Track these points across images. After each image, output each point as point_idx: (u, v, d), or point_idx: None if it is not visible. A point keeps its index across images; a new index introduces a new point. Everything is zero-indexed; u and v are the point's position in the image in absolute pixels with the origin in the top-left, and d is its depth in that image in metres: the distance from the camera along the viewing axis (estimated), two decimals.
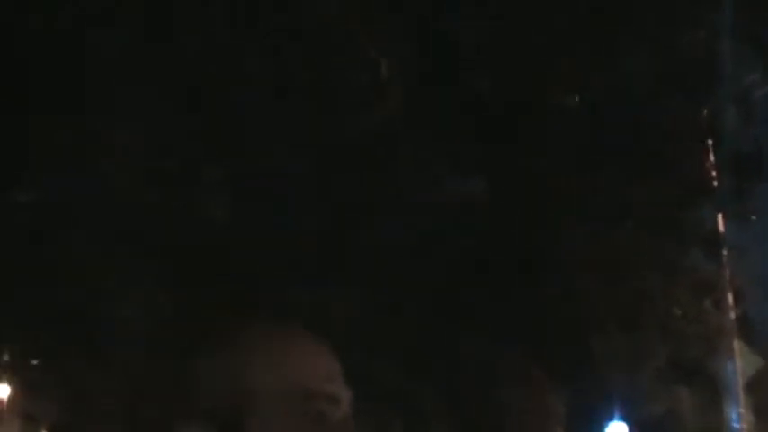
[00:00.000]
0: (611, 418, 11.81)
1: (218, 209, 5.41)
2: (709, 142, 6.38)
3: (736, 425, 13.94)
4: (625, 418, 11.76)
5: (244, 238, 5.42)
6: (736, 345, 13.30)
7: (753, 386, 14.46)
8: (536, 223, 6.29)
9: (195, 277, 5.23)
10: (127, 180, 5.05)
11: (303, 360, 1.12)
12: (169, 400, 1.10)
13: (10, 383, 10.02)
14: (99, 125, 5.04)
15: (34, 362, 7.15)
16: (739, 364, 13.47)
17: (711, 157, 6.49)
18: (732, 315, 11.87)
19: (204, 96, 5.26)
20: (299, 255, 5.62)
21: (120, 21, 5.05)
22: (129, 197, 5.04)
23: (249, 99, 5.34)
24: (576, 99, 6.13)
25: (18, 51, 4.88)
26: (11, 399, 10.26)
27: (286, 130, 5.44)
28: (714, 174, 6.54)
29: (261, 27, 5.35)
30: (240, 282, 5.29)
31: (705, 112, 6.44)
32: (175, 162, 5.26)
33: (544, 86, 6.03)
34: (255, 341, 1.13)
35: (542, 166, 6.12)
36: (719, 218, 8.59)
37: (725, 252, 10.04)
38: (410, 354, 6.31)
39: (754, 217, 7.04)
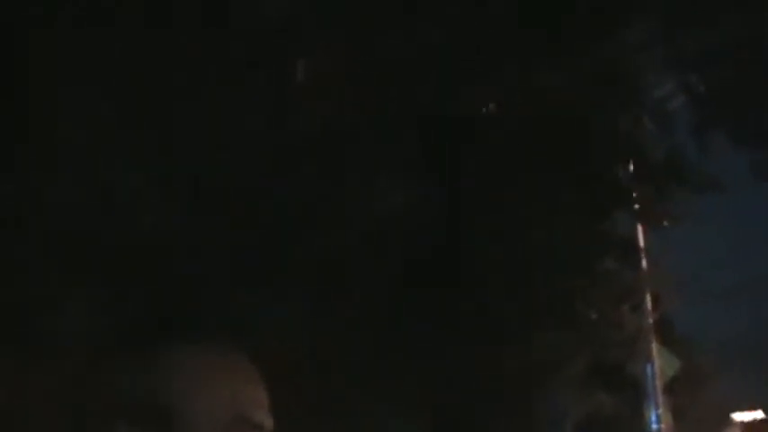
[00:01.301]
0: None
1: (157, 217, 5.30)
2: (626, 152, 6.53)
3: (655, 426, 14.29)
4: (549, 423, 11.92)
5: (182, 247, 5.33)
6: (655, 348, 13.66)
7: (672, 388, 14.86)
8: (460, 234, 6.34)
9: (130, 286, 5.12)
10: (58, 185, 4.91)
11: (233, 385, 1.08)
12: (90, 411, 1.06)
13: None
14: (29, 131, 4.88)
15: None
16: (658, 366, 13.82)
17: (628, 167, 6.65)
18: (650, 319, 12.21)
19: (136, 101, 5.15)
20: (240, 264, 5.55)
21: (47, 21, 4.90)
22: (60, 202, 4.89)
23: (183, 101, 5.25)
24: (498, 111, 6.20)
25: None
26: None
27: (224, 135, 5.37)
28: (630, 182, 6.70)
29: (192, 26, 5.25)
30: (178, 292, 5.20)
31: (621, 122, 6.58)
32: (109, 168, 5.13)
33: (469, 99, 6.09)
34: (185, 360, 1.09)
35: (469, 176, 6.18)
36: (636, 225, 8.84)
37: (642, 258, 10.32)
38: (352, 364, 6.31)
39: (667, 224, 7.24)
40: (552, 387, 8.99)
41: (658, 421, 14.41)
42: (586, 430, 12.70)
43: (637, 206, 6.81)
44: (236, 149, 5.15)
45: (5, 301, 4.68)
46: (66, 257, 4.87)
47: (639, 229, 10.70)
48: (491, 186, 6.02)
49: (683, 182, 6.36)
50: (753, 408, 23.37)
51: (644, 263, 10.97)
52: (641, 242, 10.99)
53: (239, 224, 5.26)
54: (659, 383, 13.85)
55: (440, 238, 6.01)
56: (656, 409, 14.27)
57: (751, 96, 6.49)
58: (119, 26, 4.83)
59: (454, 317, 6.31)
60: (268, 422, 1.08)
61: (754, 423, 23.17)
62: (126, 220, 5.11)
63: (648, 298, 11.95)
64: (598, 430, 13.13)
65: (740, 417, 23.57)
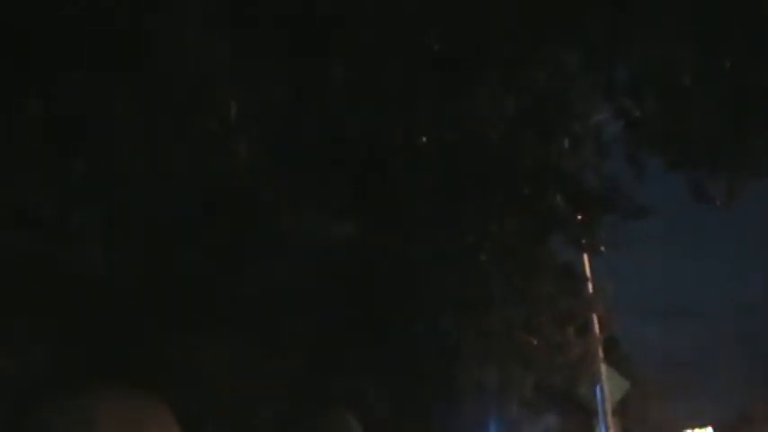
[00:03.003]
0: None
1: (89, 256, 5.23)
2: (557, 179, 6.62)
3: None
4: None
5: (117, 287, 5.27)
6: (604, 369, 13.76)
7: (621, 409, 14.98)
8: (397, 263, 6.38)
9: (66, 328, 5.04)
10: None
11: (157, 426, 1.12)
12: None
13: None
14: None
15: None
16: (607, 388, 13.90)
17: (562, 193, 6.73)
18: (597, 342, 12.32)
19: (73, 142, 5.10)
20: (174, 302, 5.51)
21: None
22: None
23: (116, 142, 5.21)
24: (432, 140, 6.25)
25: None
26: None
27: (156, 176, 5.34)
28: (566, 208, 6.78)
29: (122, 68, 5.22)
30: (114, 331, 5.13)
31: (553, 149, 6.67)
32: (46, 209, 5.06)
33: (402, 129, 6.14)
34: (113, 403, 1.11)
35: (403, 206, 6.22)
36: (573, 250, 8.93)
37: (586, 283, 10.44)
38: (287, 399, 6.30)
39: (603, 249, 7.34)
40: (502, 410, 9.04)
41: None
42: None
43: (572, 231, 6.90)
44: (166, 190, 5.14)
45: None
46: (10, 302, 4.79)
47: (584, 254, 10.83)
48: (419, 217, 6.08)
49: (614, 209, 6.47)
50: (702, 425, 23.71)
51: (589, 287, 11.09)
52: (587, 267, 11.14)
53: (170, 266, 5.24)
54: (608, 405, 13.93)
55: (369, 272, 6.05)
56: (606, 430, 14.34)
57: (680, 123, 6.63)
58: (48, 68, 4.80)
59: (392, 348, 6.33)
60: None
61: None
62: (70, 262, 5.06)
63: (595, 320, 12.06)
64: None
65: None
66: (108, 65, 4.88)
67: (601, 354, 12.67)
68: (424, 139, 6.27)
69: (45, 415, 1.10)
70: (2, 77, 4.70)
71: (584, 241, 7.09)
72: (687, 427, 23.80)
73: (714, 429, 23.75)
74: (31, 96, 4.82)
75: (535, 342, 7.62)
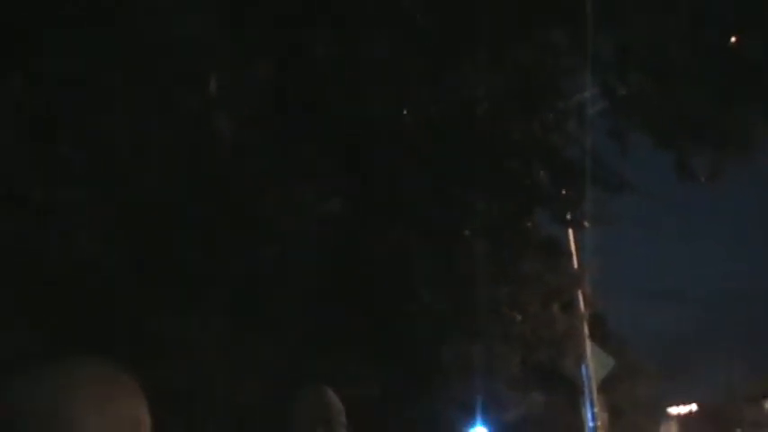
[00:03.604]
0: (472, 425, 12.07)
1: (75, 237, 5.21)
2: (541, 154, 6.62)
3: (591, 424, 14.45)
4: (486, 423, 12.04)
5: (102, 267, 5.25)
6: (589, 346, 13.82)
7: (607, 386, 15.07)
8: (383, 239, 6.37)
9: (55, 309, 5.03)
10: None
11: (124, 403, 1.12)
12: None
13: None
14: None
15: None
16: (593, 365, 13.97)
17: (548, 168, 6.73)
18: (583, 319, 12.37)
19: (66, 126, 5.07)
20: (165, 284, 5.51)
21: None
22: None
23: (107, 124, 5.18)
24: (417, 115, 6.24)
25: None
26: None
27: (146, 157, 5.32)
28: (551, 183, 6.78)
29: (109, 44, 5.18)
30: (102, 310, 5.13)
31: (536, 124, 6.67)
32: (37, 192, 5.04)
33: (387, 104, 6.12)
34: (76, 374, 1.11)
35: (388, 182, 6.21)
36: (559, 226, 8.96)
37: (571, 259, 10.48)
38: (276, 378, 6.30)
39: (587, 224, 7.35)
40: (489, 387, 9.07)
41: (594, 419, 14.57)
42: (523, 429, 12.85)
43: (557, 207, 6.90)
44: (152, 167, 5.12)
45: None
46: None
47: (569, 231, 10.87)
48: (405, 194, 6.07)
49: (597, 183, 6.47)
50: (687, 402, 23.93)
51: (574, 263, 11.14)
52: (572, 244, 11.18)
53: (156, 245, 5.23)
54: (594, 382, 14.01)
55: (356, 250, 6.05)
56: (592, 407, 14.42)
57: (665, 98, 6.63)
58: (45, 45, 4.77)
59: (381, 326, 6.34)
60: None
61: (689, 415, 23.70)
62: (60, 243, 5.04)
63: (580, 298, 12.11)
64: (534, 429, 13.29)
65: (675, 410, 24.09)
66: (83, 25, 4.84)
67: (586, 331, 12.72)
68: (409, 114, 6.25)
69: (13, 378, 1.10)
70: None
71: (568, 217, 7.10)
72: (672, 405, 24.03)
73: (699, 407, 23.97)
74: (12, 69, 4.77)
75: (520, 318, 7.64)
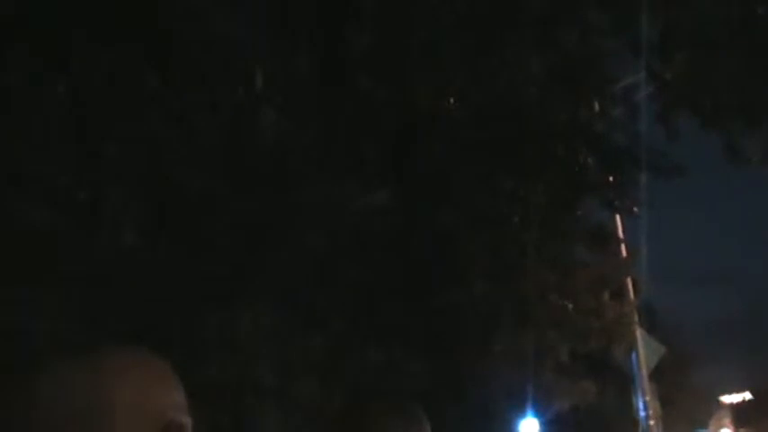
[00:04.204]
0: (523, 415, 12.01)
1: (125, 232, 5.30)
2: (588, 140, 6.55)
3: (643, 413, 14.28)
4: (536, 414, 11.97)
5: (153, 262, 5.33)
6: (639, 334, 13.65)
7: (658, 374, 14.88)
8: (432, 229, 6.37)
9: (104, 303, 5.12)
10: (36, 207, 4.90)
11: (161, 388, 1.14)
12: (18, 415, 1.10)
13: None
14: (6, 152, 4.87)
15: None
16: (643, 353, 13.80)
17: (595, 154, 6.67)
18: (632, 306, 12.22)
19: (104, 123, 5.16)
20: (211, 276, 5.57)
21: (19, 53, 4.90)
22: (36, 224, 4.88)
23: (148, 122, 5.25)
24: (463, 103, 6.22)
25: None
26: None
27: (190, 151, 5.38)
28: (598, 169, 6.72)
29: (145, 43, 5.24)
30: (150, 306, 5.20)
31: (583, 110, 6.60)
32: (82, 188, 5.13)
33: (434, 94, 6.11)
34: (115, 361, 1.14)
35: (436, 172, 6.21)
36: (609, 213, 8.85)
37: (620, 245, 10.37)
38: (323, 368, 6.34)
39: (636, 209, 7.26)
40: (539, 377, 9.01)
41: (646, 408, 14.39)
42: (573, 418, 12.74)
43: (605, 193, 6.83)
44: (201, 164, 5.18)
45: None
46: (29, 263, 4.86)
47: (617, 217, 10.74)
48: (452, 182, 6.05)
49: (647, 167, 6.39)
50: (740, 389, 23.54)
51: (623, 250, 11.00)
52: (619, 229, 11.04)
53: (203, 240, 5.28)
54: (644, 370, 13.83)
55: (403, 239, 6.04)
56: (644, 396, 14.25)
57: (711, 79, 6.52)
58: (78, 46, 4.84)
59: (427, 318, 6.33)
60: (188, 422, 1.17)
61: (742, 404, 23.32)
62: (107, 239, 5.12)
63: (630, 285, 11.96)
64: (585, 418, 13.19)
65: (728, 399, 23.71)
66: (124, 35, 4.90)
67: (636, 318, 12.57)
68: (454, 102, 6.23)
69: (54, 363, 1.12)
70: (33, 54, 4.74)
71: (616, 203, 7.03)
72: (725, 393, 23.66)
73: (753, 394, 23.57)
74: (55, 69, 4.85)
75: (570, 306, 7.58)
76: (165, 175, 5.30)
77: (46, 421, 1.05)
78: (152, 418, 1.12)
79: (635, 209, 7.19)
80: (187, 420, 1.17)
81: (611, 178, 6.70)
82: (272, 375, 6.05)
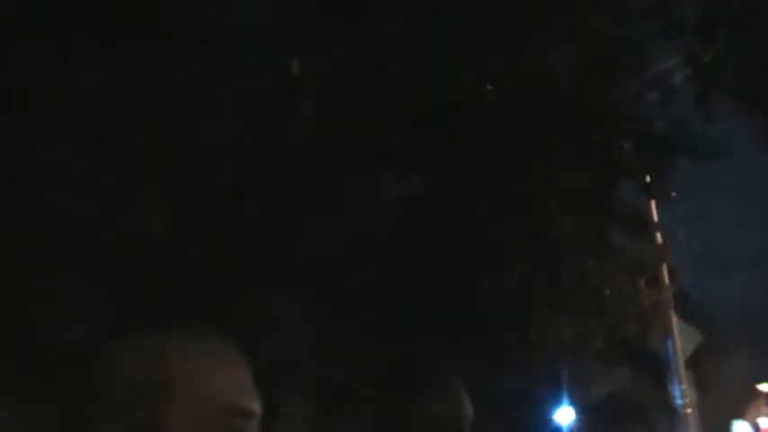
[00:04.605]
0: (559, 403, 12.00)
1: (157, 221, 5.36)
2: (625, 124, 6.52)
3: (679, 401, 14.17)
4: (572, 402, 11.95)
5: (185, 249, 5.38)
6: (676, 322, 13.54)
7: (694, 362, 14.74)
8: (469, 215, 6.37)
9: (136, 290, 5.18)
10: (67, 195, 4.98)
11: (224, 372, 1.12)
12: (84, 397, 1.11)
13: None
14: (37, 142, 4.96)
15: None
16: (679, 340, 13.67)
17: (632, 139, 6.63)
18: (668, 293, 12.12)
19: (137, 111, 5.21)
20: (242, 262, 5.61)
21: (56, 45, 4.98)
22: (68, 212, 4.96)
23: (179, 111, 5.31)
24: (498, 88, 6.21)
25: None
26: None
27: (221, 141, 5.43)
28: (634, 154, 6.68)
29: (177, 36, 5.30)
30: (183, 292, 5.25)
31: (620, 94, 6.57)
32: (113, 177, 5.19)
33: (467, 80, 6.12)
34: (187, 344, 1.14)
35: (472, 158, 6.21)
36: (644, 198, 8.79)
37: (656, 232, 10.29)
38: (354, 355, 6.37)
39: (674, 194, 7.21)
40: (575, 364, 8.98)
41: (682, 396, 14.26)
42: (609, 406, 12.70)
43: (642, 178, 6.80)
44: (234, 152, 5.22)
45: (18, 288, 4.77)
46: (75, 252, 4.93)
47: (653, 203, 10.65)
48: (488, 167, 6.05)
49: (686, 150, 6.35)
50: None
51: (658, 236, 10.92)
52: (654, 216, 10.95)
53: (238, 226, 5.32)
54: (681, 358, 13.71)
55: (438, 226, 6.05)
56: (680, 384, 14.12)
57: (753, 62, 6.45)
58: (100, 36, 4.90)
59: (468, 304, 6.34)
60: (257, 408, 1.13)
61: None
62: (139, 228, 5.19)
63: (665, 271, 11.86)
64: (621, 406, 13.13)
65: (766, 388, 23.44)
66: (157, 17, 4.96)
67: (672, 306, 12.47)
68: (490, 88, 6.23)
69: (114, 345, 1.13)
70: (63, 45, 4.82)
71: (653, 188, 6.99)
72: (762, 381, 23.39)
73: None
74: (84, 58, 4.91)
75: (607, 292, 7.56)
76: (199, 163, 5.35)
77: (107, 397, 1.05)
78: (211, 399, 1.08)
79: (672, 194, 7.14)
80: (256, 406, 1.12)
81: (647, 163, 6.66)
82: (305, 360, 6.09)
